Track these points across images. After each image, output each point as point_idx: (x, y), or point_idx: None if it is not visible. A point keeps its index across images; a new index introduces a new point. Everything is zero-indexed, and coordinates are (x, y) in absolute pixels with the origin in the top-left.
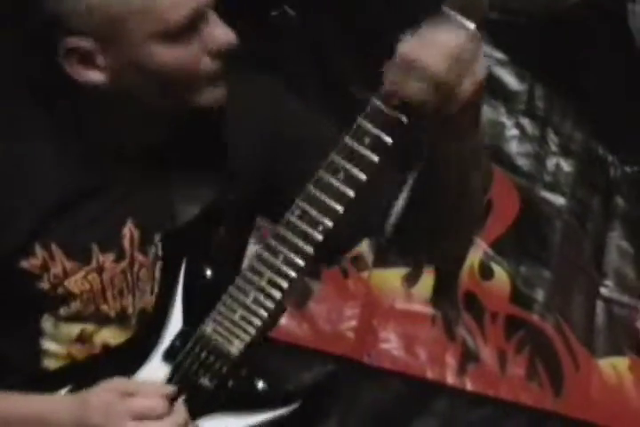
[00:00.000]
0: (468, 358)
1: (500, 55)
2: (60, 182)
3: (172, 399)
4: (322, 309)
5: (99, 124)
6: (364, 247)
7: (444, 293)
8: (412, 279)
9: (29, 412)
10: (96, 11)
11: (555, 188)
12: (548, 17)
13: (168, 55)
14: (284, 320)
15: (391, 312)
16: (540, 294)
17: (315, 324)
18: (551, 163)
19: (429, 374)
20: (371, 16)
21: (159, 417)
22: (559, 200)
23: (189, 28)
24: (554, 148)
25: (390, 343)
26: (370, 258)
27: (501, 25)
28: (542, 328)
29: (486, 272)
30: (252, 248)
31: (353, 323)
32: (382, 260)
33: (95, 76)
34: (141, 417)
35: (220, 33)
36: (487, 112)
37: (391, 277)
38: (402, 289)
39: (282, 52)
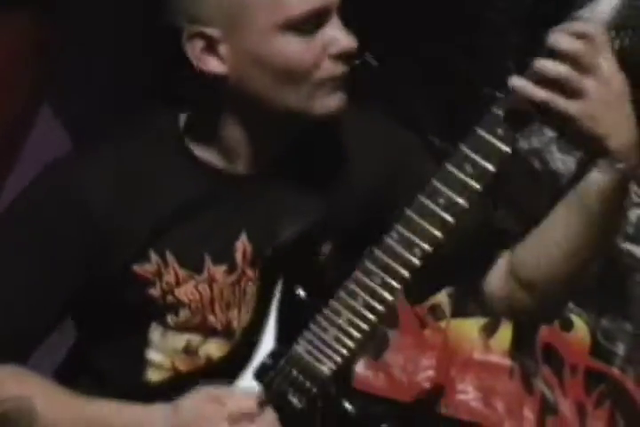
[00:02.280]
0: (546, 411)
1: None
2: (180, 191)
3: (262, 405)
4: (398, 359)
5: (222, 130)
6: (443, 297)
7: (522, 344)
8: (490, 330)
9: (129, 419)
10: None
11: (637, 240)
12: None
13: (289, 47)
14: (360, 369)
15: (469, 363)
16: (620, 348)
17: (391, 374)
18: (633, 215)
19: None
20: (452, 65)
21: (252, 419)
22: None
23: (313, 23)
24: (636, 199)
25: (467, 395)
26: (448, 308)
27: None
28: (623, 382)
29: (566, 324)
30: None
31: (430, 373)
32: (460, 309)
33: (216, 66)
34: (235, 419)
35: (342, 36)
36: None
37: (469, 328)
38: (480, 340)
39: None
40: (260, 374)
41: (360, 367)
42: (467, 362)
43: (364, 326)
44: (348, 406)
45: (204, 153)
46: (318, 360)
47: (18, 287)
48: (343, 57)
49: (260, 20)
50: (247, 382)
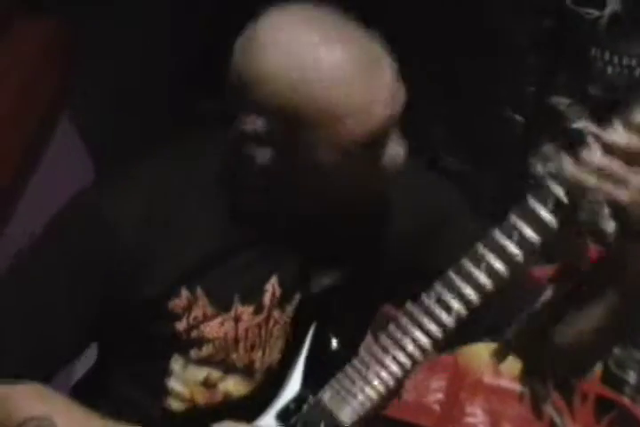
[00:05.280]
0: None
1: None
2: (214, 233)
3: None
4: (408, 380)
5: (258, 194)
6: None
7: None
8: (501, 354)
9: None
10: (282, 98)
11: None
12: None
13: (335, 164)
14: None
15: (478, 387)
16: (631, 376)
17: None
18: None
19: None
20: (469, 86)
21: None
22: None
23: (365, 147)
24: None
25: (476, 418)
26: None
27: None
28: (633, 411)
29: None
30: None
31: (439, 396)
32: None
33: (261, 154)
34: None
35: (395, 154)
36: None
37: (480, 351)
38: (490, 363)
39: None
40: (282, 417)
41: None
42: (476, 385)
43: (391, 381)
44: None
45: (239, 194)
46: (341, 410)
47: (45, 309)
48: (388, 172)
49: (308, 131)
50: (268, 424)
